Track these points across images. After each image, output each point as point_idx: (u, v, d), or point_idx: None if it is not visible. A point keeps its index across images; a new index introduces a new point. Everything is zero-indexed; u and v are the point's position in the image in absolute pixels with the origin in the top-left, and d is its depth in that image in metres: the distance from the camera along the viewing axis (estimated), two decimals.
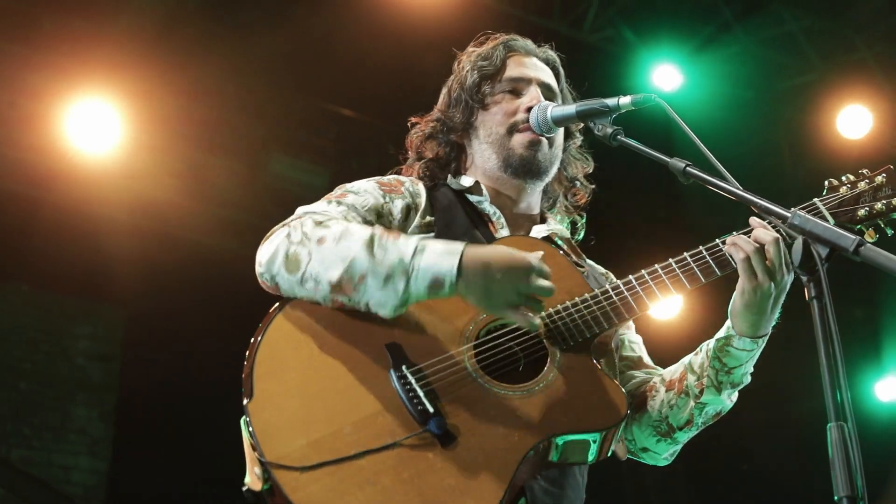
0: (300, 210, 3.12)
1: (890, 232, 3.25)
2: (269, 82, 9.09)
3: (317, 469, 2.69)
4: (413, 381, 2.86)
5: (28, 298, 10.27)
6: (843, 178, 3.24)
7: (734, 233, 3.11)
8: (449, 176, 3.50)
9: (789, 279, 3.05)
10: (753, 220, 3.08)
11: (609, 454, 3.11)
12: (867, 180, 3.22)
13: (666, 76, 9.42)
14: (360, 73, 8.67)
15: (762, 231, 3.03)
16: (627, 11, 9.39)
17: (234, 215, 9.44)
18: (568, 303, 3.08)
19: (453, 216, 3.32)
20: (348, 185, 3.28)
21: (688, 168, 2.86)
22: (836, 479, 2.23)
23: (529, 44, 3.63)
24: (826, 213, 3.14)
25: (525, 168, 3.41)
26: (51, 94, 8.25)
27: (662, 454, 3.38)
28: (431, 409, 2.81)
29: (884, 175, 3.23)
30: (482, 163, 3.46)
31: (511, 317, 2.87)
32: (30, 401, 10.04)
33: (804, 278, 2.44)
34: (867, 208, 3.17)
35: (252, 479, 2.76)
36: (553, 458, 2.97)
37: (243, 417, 2.81)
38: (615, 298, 3.11)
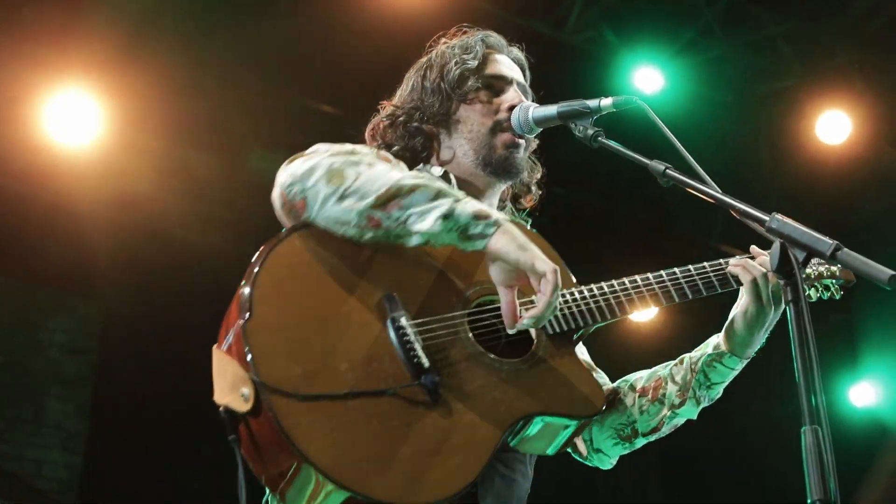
0: (322, 145, 3.01)
1: (826, 297, 3.58)
2: (250, 78, 9.06)
3: (312, 400, 2.67)
4: (411, 333, 2.84)
5: (2, 290, 10.20)
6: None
7: (738, 257, 3.23)
8: (421, 164, 3.47)
9: (782, 309, 3.15)
10: (755, 249, 3.25)
11: (564, 449, 3.17)
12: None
13: (647, 78, 9.44)
14: (342, 70, 8.66)
15: (767, 259, 3.15)
16: (610, 13, 9.41)
17: (213, 210, 9.42)
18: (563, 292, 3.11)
19: None
20: (350, 145, 3.18)
21: (667, 170, 2.88)
22: (809, 482, 2.24)
23: (503, 42, 3.64)
24: None
25: (503, 168, 3.42)
26: (30, 86, 8.19)
27: (613, 458, 3.42)
28: (427, 364, 2.81)
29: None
30: (458, 157, 3.44)
31: (539, 264, 2.78)
32: (3, 394, 9.97)
33: (781, 282, 2.46)
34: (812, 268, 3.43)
35: (233, 400, 2.68)
36: (518, 439, 2.99)
37: (228, 339, 2.78)
38: (611, 296, 3.16)
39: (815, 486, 2.23)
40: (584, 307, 3.13)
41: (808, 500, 2.24)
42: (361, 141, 3.59)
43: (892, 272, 2.32)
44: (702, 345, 3.33)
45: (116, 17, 8.27)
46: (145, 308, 9.46)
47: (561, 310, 3.08)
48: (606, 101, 3.13)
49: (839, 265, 3.30)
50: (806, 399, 2.30)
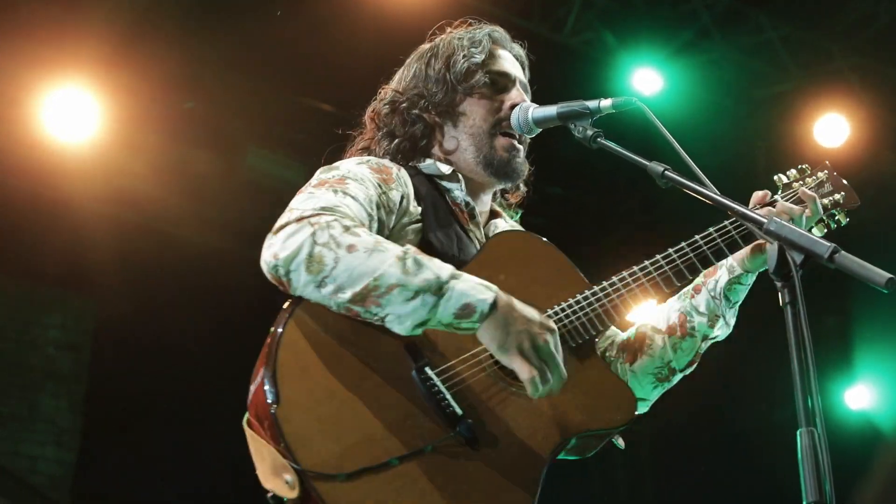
0: (311, 203, 2.93)
1: (833, 226, 3.48)
2: (247, 75, 9.05)
3: (355, 477, 2.65)
4: (438, 382, 2.82)
5: None
6: (790, 174, 3.45)
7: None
8: (426, 159, 3.44)
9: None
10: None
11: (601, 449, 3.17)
12: (812, 177, 3.44)
13: (646, 80, 9.45)
14: (339, 68, 8.64)
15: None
16: (608, 15, 9.41)
17: (209, 208, 9.42)
18: (571, 300, 3.10)
19: (437, 206, 3.29)
20: (342, 169, 3.16)
21: (666, 172, 2.87)
22: (805, 483, 2.24)
23: (507, 37, 3.63)
24: None
25: (504, 171, 3.42)
26: (27, 82, 8.18)
27: (652, 400, 3.45)
28: (460, 412, 2.79)
29: (825, 171, 3.47)
30: (458, 152, 3.43)
31: (516, 365, 2.79)
32: None
33: (778, 284, 2.46)
34: None
35: (279, 486, 2.66)
36: (560, 455, 2.99)
37: (250, 419, 2.75)
38: (613, 295, 3.14)
39: (810, 488, 2.23)
40: (599, 310, 3.10)
41: (804, 502, 2.24)
42: (359, 140, 3.58)
43: (889, 275, 2.32)
44: (702, 277, 3.34)
45: (114, 14, 8.27)
46: (140, 305, 9.46)
47: (578, 318, 3.07)
48: (606, 102, 3.12)
49: (841, 193, 3.41)
50: (802, 401, 2.30)
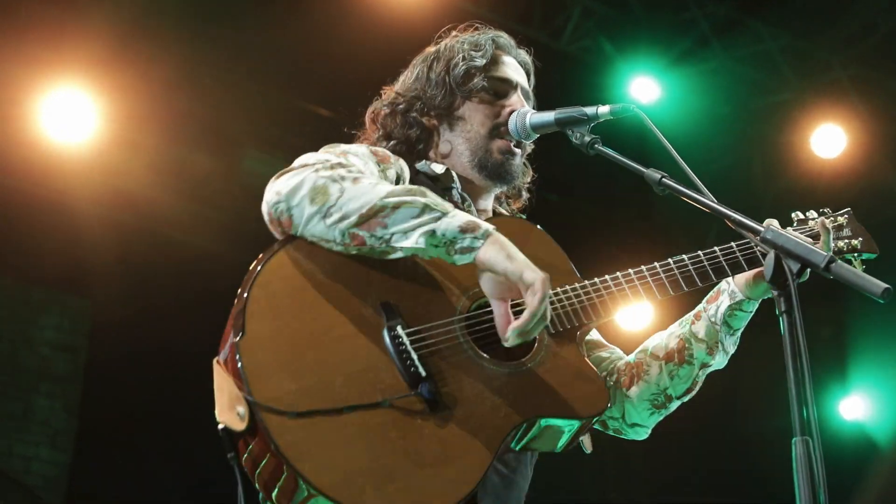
0: (312, 155, 2.99)
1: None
2: (246, 78, 9.05)
3: (306, 417, 2.65)
4: (407, 342, 2.82)
5: None
6: (808, 214, 3.43)
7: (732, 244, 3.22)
8: (421, 161, 3.45)
9: None
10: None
11: (572, 446, 3.13)
12: (830, 219, 3.41)
13: (644, 88, 9.46)
14: (338, 73, 8.64)
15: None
16: (607, 23, 9.42)
17: (206, 210, 9.41)
18: (559, 289, 3.09)
19: None
20: (344, 146, 3.18)
21: (663, 179, 2.87)
22: (799, 492, 2.24)
23: (512, 43, 3.63)
24: None
25: (497, 173, 3.42)
26: (26, 83, 8.18)
27: (650, 427, 3.44)
28: (424, 373, 2.78)
29: (845, 216, 3.45)
30: (454, 155, 3.44)
31: (527, 273, 2.74)
32: None
33: (775, 293, 2.46)
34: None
35: (230, 418, 2.66)
36: (524, 442, 2.97)
37: (223, 356, 2.75)
38: (604, 292, 3.14)
39: (804, 498, 2.23)
40: (587, 302, 3.10)
41: None
42: (358, 141, 3.59)
43: (885, 285, 2.33)
44: (704, 304, 3.33)
45: (113, 14, 8.27)
46: (136, 307, 9.45)
47: (563, 307, 3.07)
48: (604, 109, 3.13)
49: (860, 239, 3.37)
50: (797, 410, 2.30)
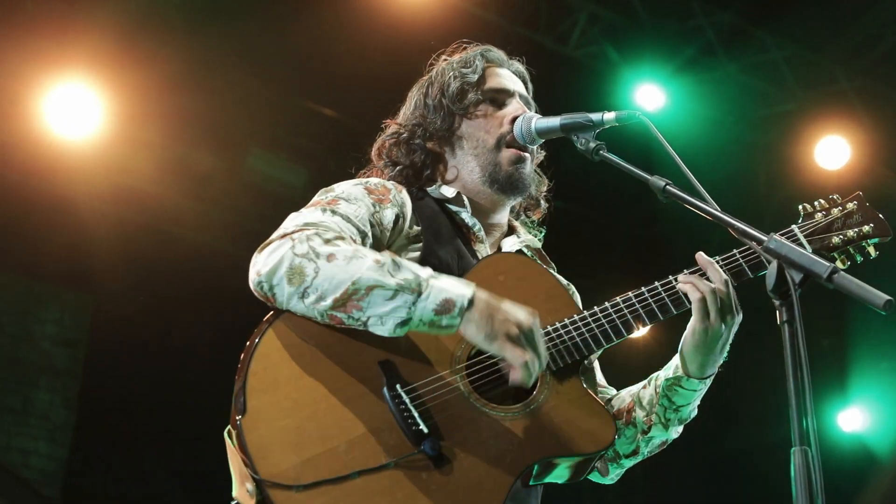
0: (297, 220, 3.01)
1: (860, 259, 3.34)
2: (251, 76, 9.06)
3: (312, 488, 2.67)
4: (407, 400, 2.82)
5: None
6: (817, 204, 3.31)
7: (684, 271, 3.14)
8: (432, 185, 3.43)
9: (738, 320, 3.10)
10: (701, 258, 3.13)
11: (584, 477, 3.12)
12: (839, 207, 3.29)
13: (649, 96, 9.46)
14: (344, 74, 8.66)
15: (715, 272, 3.07)
16: (613, 29, 9.42)
17: (209, 208, 9.42)
18: (558, 324, 3.08)
19: (439, 226, 3.28)
20: (337, 190, 3.19)
21: (667, 186, 2.87)
22: (797, 502, 2.23)
23: (503, 55, 3.61)
24: (804, 241, 3.21)
25: (510, 185, 3.39)
26: (31, 78, 8.19)
27: (608, 475, 3.38)
28: (426, 430, 2.78)
29: (854, 202, 3.31)
30: (464, 174, 3.42)
31: (507, 352, 2.79)
32: None
33: (777, 303, 2.45)
34: (841, 236, 3.24)
35: (242, 494, 2.72)
36: (531, 481, 2.97)
37: (230, 430, 2.77)
38: (607, 321, 3.10)
39: None
40: (587, 335, 3.08)
41: None
42: (367, 147, 3.59)
43: (888, 297, 2.32)
44: (667, 364, 3.27)
45: (120, 11, 8.27)
46: (137, 303, 9.45)
47: (563, 342, 3.05)
48: (609, 115, 3.11)
49: (871, 225, 3.26)
50: (797, 420, 2.29)
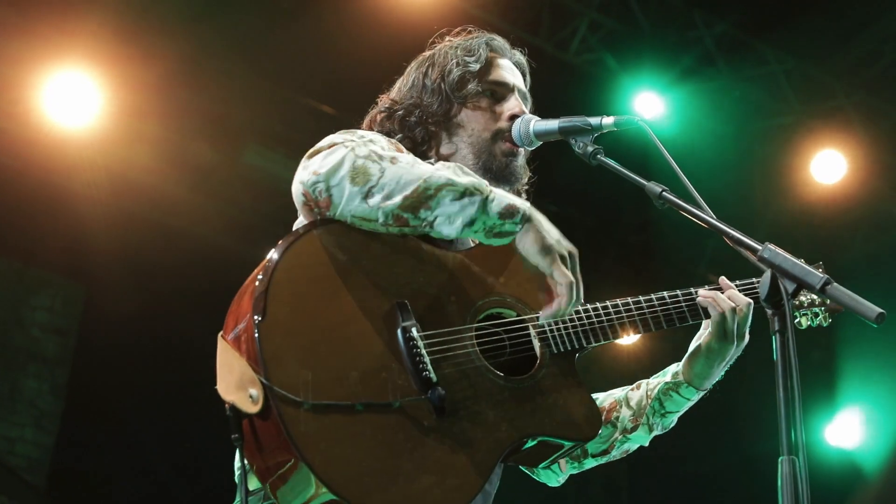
0: (341, 135, 2.98)
1: (813, 325, 3.53)
2: (251, 71, 9.06)
3: (320, 409, 2.65)
4: (421, 345, 2.82)
5: None
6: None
7: (706, 288, 3.22)
8: (426, 160, 3.40)
9: (744, 345, 3.20)
10: (724, 281, 3.24)
11: (552, 465, 3.17)
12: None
13: (647, 104, 9.47)
14: (344, 72, 8.66)
15: (736, 293, 3.18)
16: (613, 36, 9.44)
17: (205, 201, 9.41)
18: None
19: None
20: (360, 131, 3.16)
21: (664, 193, 2.87)
22: None
23: (507, 45, 3.60)
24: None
25: (502, 175, 3.39)
26: (31, 66, 8.18)
27: (563, 477, 3.42)
28: (434, 379, 2.78)
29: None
30: (458, 157, 3.41)
31: (558, 269, 2.80)
32: None
33: (769, 312, 2.46)
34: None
35: (241, 399, 2.66)
36: (512, 457, 2.98)
37: (235, 332, 2.74)
38: (604, 317, 3.15)
39: None
40: (588, 327, 3.12)
41: None
42: None
43: (879, 309, 2.33)
44: (660, 372, 3.34)
45: (119, 2, 8.27)
46: (130, 293, 9.44)
47: (566, 328, 3.08)
48: (608, 120, 3.12)
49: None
50: (785, 429, 2.30)
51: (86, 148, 8.57)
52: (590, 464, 3.39)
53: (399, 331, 2.82)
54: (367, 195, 2.78)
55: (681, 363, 3.28)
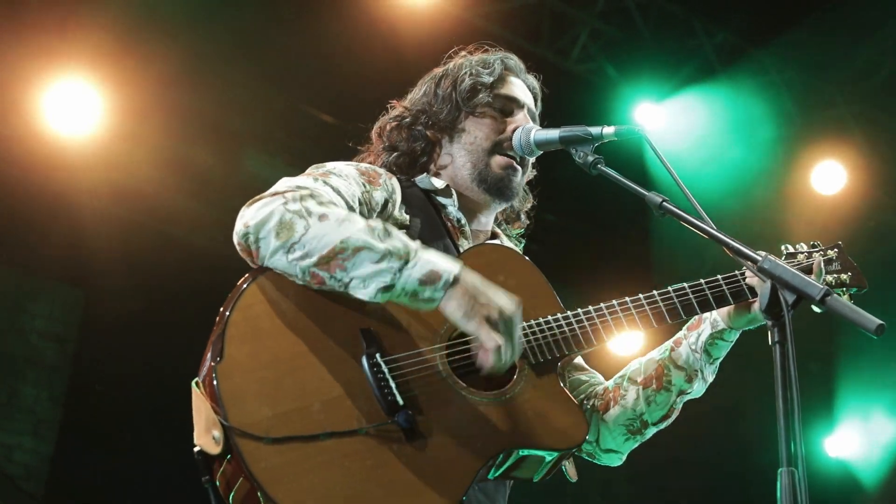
0: (289, 183, 3.01)
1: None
2: (252, 79, 9.06)
3: (282, 443, 2.66)
4: (386, 370, 2.82)
5: None
6: (799, 246, 3.38)
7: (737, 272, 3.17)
8: (422, 174, 3.46)
9: None
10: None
11: (550, 475, 3.12)
12: (821, 252, 3.34)
13: (647, 113, 9.48)
14: (344, 80, 8.67)
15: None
16: (613, 45, 9.45)
17: (203, 208, 9.40)
18: (541, 319, 3.08)
19: (425, 217, 3.31)
20: (329, 166, 3.20)
21: (664, 203, 2.87)
22: None
23: (522, 67, 3.64)
24: None
25: (497, 188, 3.41)
26: (30, 74, 8.18)
27: (625, 453, 3.42)
28: (401, 402, 2.78)
29: (835, 250, 3.37)
30: (455, 168, 3.45)
31: (482, 333, 2.79)
32: None
33: (769, 323, 2.46)
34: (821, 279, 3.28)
35: (206, 441, 2.69)
36: (501, 470, 2.97)
37: (201, 378, 2.76)
38: (586, 323, 3.12)
39: None
40: (568, 334, 3.09)
41: None
42: (362, 150, 3.60)
43: (879, 321, 2.33)
44: (685, 331, 3.31)
45: (121, 8, 8.27)
46: (128, 300, 9.43)
47: (545, 338, 3.06)
48: (609, 129, 3.13)
49: (849, 273, 3.31)
50: (784, 441, 2.29)
51: (85, 155, 8.57)
52: (651, 432, 3.37)
53: (363, 358, 2.83)
54: (288, 250, 2.81)
55: (712, 315, 3.24)
